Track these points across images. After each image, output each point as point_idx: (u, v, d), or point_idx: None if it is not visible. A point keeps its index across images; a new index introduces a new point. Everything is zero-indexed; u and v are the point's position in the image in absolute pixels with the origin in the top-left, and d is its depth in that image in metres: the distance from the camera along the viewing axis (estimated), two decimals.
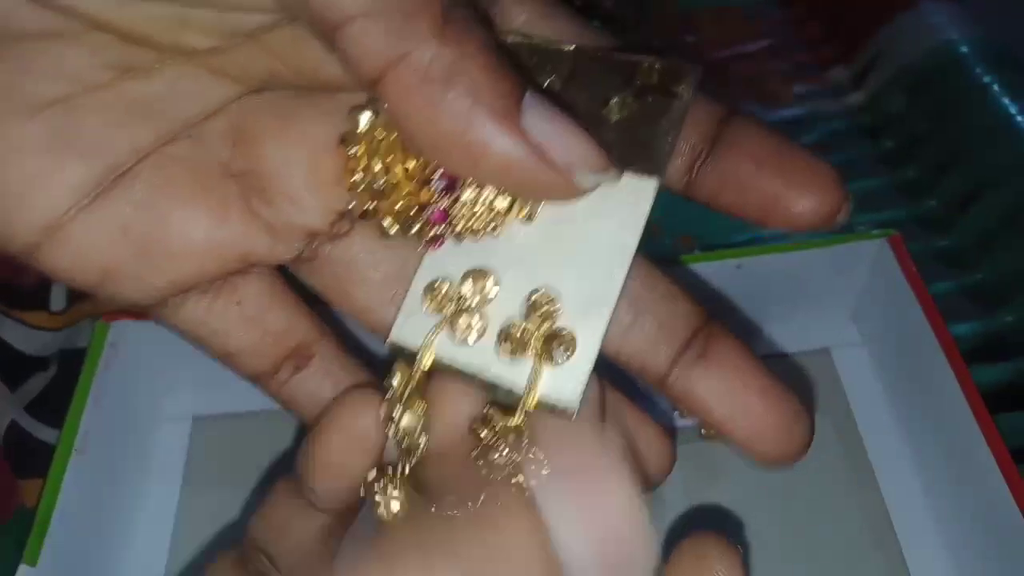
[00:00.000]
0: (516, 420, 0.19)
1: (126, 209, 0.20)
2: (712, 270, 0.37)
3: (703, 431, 0.38)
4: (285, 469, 0.39)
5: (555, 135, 0.17)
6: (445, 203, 0.20)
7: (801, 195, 0.19)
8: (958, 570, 0.34)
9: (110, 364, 0.37)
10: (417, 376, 0.20)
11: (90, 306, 0.43)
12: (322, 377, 0.24)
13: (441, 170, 0.19)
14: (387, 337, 0.21)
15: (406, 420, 0.20)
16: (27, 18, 0.17)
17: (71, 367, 0.37)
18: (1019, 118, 0.46)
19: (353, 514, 0.22)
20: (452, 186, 0.19)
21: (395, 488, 0.20)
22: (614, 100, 0.20)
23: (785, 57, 0.56)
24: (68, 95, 0.18)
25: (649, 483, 0.22)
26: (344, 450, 0.21)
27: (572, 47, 0.21)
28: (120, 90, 0.19)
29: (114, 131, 0.19)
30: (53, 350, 0.42)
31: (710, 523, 0.36)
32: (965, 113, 0.48)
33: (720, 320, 0.21)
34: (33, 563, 0.30)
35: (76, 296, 0.43)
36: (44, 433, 0.40)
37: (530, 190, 0.18)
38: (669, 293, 0.21)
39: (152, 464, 0.39)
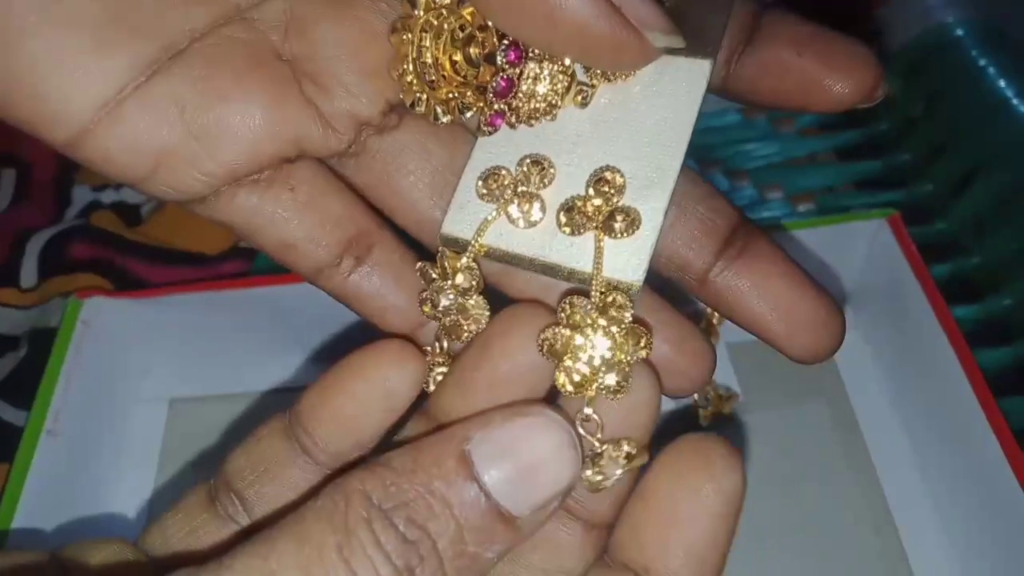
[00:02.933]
0: (595, 299, 0.19)
1: (183, 87, 0.19)
2: None
3: (700, 413, 0.38)
4: None
5: None
6: (511, 72, 0.19)
7: (842, 76, 0.19)
8: (958, 556, 0.33)
9: (82, 343, 0.35)
10: (471, 256, 0.20)
11: (62, 283, 0.41)
12: (384, 268, 0.22)
13: (506, 44, 0.19)
14: (438, 231, 0.21)
15: (447, 300, 0.20)
16: None
17: (43, 346, 0.36)
18: (1015, 100, 0.45)
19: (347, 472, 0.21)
20: (518, 59, 0.19)
21: (441, 366, 0.21)
22: None
23: None
24: None
25: (689, 385, 0.21)
26: (363, 401, 0.20)
27: None
28: None
29: (170, 10, 0.19)
30: (24, 329, 0.41)
31: None
32: (960, 95, 0.47)
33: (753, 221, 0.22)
34: None
35: (48, 272, 0.42)
36: (14, 416, 0.38)
37: (604, 53, 0.18)
38: (710, 192, 0.21)
39: (127, 447, 0.38)
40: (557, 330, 0.19)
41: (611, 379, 0.19)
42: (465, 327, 0.21)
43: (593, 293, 0.19)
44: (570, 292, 0.20)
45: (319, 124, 0.21)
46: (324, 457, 0.21)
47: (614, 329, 0.19)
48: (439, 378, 0.21)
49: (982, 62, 0.47)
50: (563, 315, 0.19)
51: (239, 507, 0.21)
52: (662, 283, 0.21)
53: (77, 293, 0.36)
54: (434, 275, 0.21)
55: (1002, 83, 0.46)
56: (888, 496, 0.35)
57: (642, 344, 0.19)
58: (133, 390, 0.39)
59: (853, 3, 0.54)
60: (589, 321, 0.19)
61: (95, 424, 0.36)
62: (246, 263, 0.43)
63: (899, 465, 0.36)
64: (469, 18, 0.19)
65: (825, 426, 0.38)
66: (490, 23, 0.19)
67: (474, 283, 0.20)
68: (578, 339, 0.19)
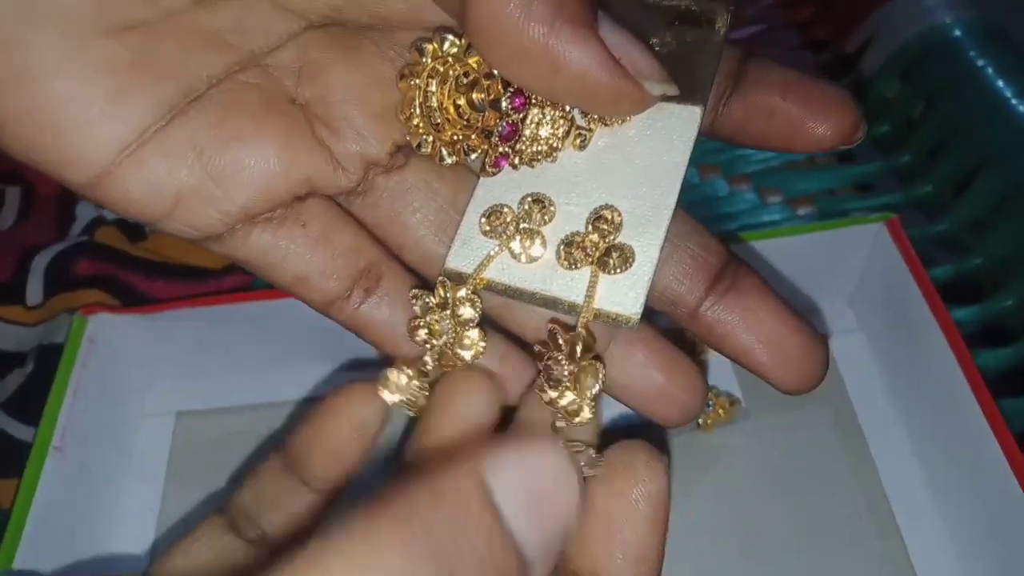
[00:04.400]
0: (580, 327, 0.20)
1: (200, 131, 0.20)
2: None
3: (699, 421, 0.38)
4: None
5: (626, 47, 0.18)
6: (515, 118, 0.21)
7: (824, 119, 0.20)
8: (959, 554, 0.33)
9: (88, 359, 0.36)
10: (472, 286, 0.21)
11: (68, 299, 0.42)
12: (393, 298, 0.23)
13: (511, 91, 0.20)
14: (442, 266, 0.22)
15: (439, 325, 0.22)
16: None
17: (49, 363, 0.36)
18: (1013, 100, 0.45)
19: (341, 492, 0.23)
20: (522, 107, 0.20)
21: (416, 380, 0.22)
22: (654, 41, 0.21)
23: (778, 42, 0.55)
24: (148, 19, 0.19)
25: (680, 414, 0.23)
26: (343, 437, 0.22)
27: (607, 10, 0.22)
28: (194, 18, 0.20)
29: (189, 56, 0.20)
30: (31, 346, 0.41)
31: (708, 517, 0.35)
32: (959, 96, 0.47)
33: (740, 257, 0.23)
34: (8, 566, 0.29)
35: (54, 289, 0.42)
36: (22, 432, 0.38)
37: (604, 100, 0.19)
38: (699, 229, 0.22)
39: (134, 461, 0.38)
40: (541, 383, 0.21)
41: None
42: (457, 357, 0.22)
43: (579, 323, 0.20)
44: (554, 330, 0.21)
45: (330, 164, 0.22)
46: (319, 484, 0.23)
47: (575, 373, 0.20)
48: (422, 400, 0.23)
49: (981, 62, 0.47)
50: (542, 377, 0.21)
51: (261, 528, 0.24)
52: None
53: (82, 310, 0.36)
54: (430, 302, 0.22)
55: (1001, 83, 0.46)
56: (891, 499, 0.35)
57: (598, 377, 0.20)
58: (139, 404, 0.39)
59: (850, 4, 0.54)
60: (566, 377, 0.20)
61: (102, 439, 0.36)
62: (249, 276, 0.43)
63: (902, 468, 0.36)
64: (475, 66, 0.21)
65: (827, 430, 0.38)
66: (496, 71, 0.20)
67: (476, 315, 0.21)
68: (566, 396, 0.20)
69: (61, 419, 0.33)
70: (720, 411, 0.37)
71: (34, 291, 0.42)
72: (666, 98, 0.20)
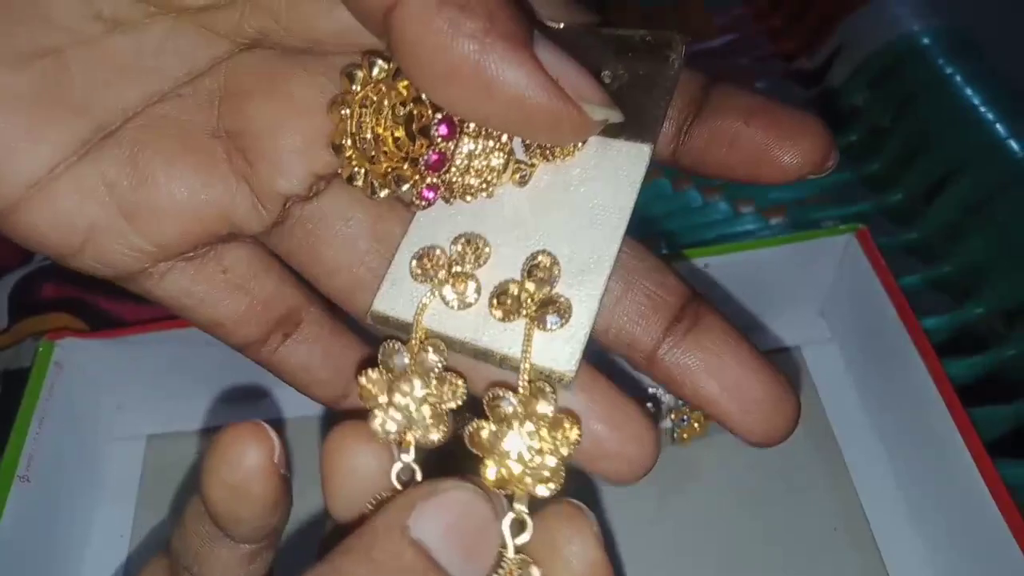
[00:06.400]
0: (521, 390, 0.18)
1: (112, 166, 0.19)
2: (679, 270, 0.36)
3: (675, 434, 0.37)
4: None
5: (564, 67, 0.17)
6: (444, 146, 0.19)
7: (791, 145, 0.19)
8: (933, 564, 0.33)
9: (55, 384, 0.35)
10: (417, 347, 0.20)
11: (34, 323, 0.41)
12: (312, 343, 0.23)
13: (439, 117, 0.19)
14: (360, 299, 0.21)
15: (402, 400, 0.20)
16: None
17: (16, 389, 0.35)
18: (982, 108, 0.46)
19: (271, 545, 0.22)
20: (451, 133, 0.19)
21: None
22: (605, 72, 0.20)
23: (748, 51, 0.55)
24: (58, 47, 0.18)
25: (628, 470, 0.20)
26: (237, 480, 0.20)
27: (560, 25, 0.20)
28: (110, 45, 0.19)
29: (103, 89, 0.19)
30: None
31: (683, 532, 0.35)
32: (928, 104, 0.48)
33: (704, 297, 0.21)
34: None
35: (19, 313, 0.41)
36: None
37: (542, 125, 0.17)
38: (657, 266, 0.21)
39: (104, 487, 0.38)
40: (483, 423, 0.19)
41: (542, 490, 0.18)
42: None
43: (520, 383, 0.18)
44: (497, 383, 0.19)
45: (248, 202, 0.21)
46: (240, 537, 0.21)
47: (539, 423, 0.18)
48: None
49: (949, 70, 0.48)
50: (488, 409, 0.19)
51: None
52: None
53: (48, 334, 0.36)
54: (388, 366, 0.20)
55: (969, 91, 0.47)
56: (866, 509, 0.35)
57: (568, 431, 0.18)
58: (108, 429, 0.39)
59: (819, 13, 0.54)
60: (515, 415, 0.18)
61: (70, 466, 0.36)
62: None
63: (877, 478, 0.36)
64: (404, 92, 0.19)
65: (802, 440, 0.38)
66: (424, 95, 0.19)
67: (441, 360, 0.20)
68: (508, 437, 0.18)
69: (27, 447, 0.33)
70: (695, 424, 0.37)
71: None
72: (615, 134, 0.19)
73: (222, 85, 0.20)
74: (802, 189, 0.48)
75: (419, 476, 0.20)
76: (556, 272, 0.19)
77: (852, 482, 0.36)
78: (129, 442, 0.39)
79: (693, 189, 0.48)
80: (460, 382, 0.19)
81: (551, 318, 0.18)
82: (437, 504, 0.18)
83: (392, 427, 0.20)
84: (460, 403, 0.20)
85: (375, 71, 0.19)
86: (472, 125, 0.19)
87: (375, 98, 0.19)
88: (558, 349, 0.18)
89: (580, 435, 0.18)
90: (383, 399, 0.20)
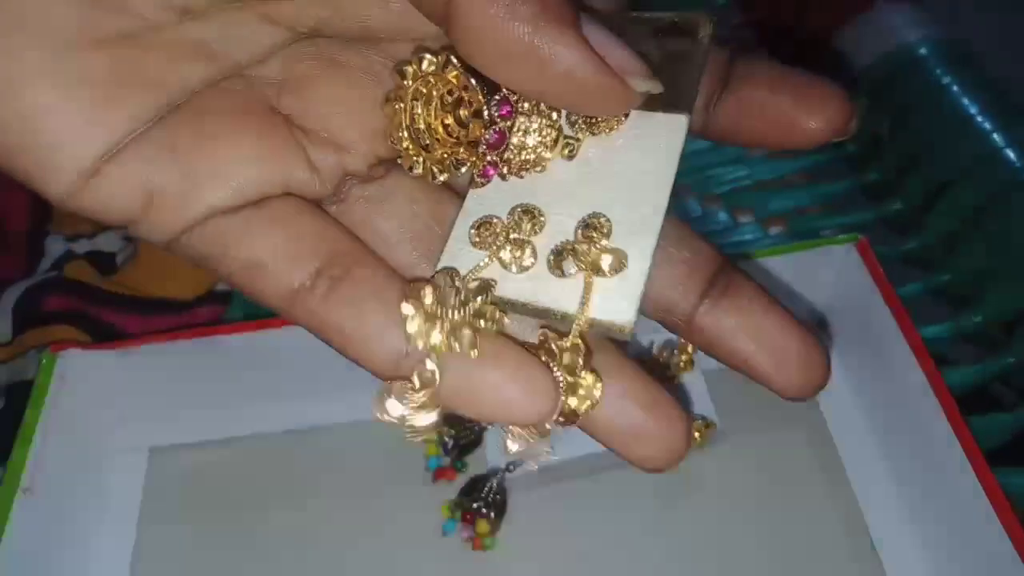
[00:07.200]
0: (571, 339, 0.20)
1: (175, 130, 0.20)
2: None
3: None
4: (249, 500, 0.38)
5: (609, 45, 0.18)
6: (503, 125, 0.20)
7: (816, 111, 0.20)
8: (934, 573, 0.34)
9: (59, 397, 0.35)
10: (464, 295, 0.20)
11: (37, 336, 0.41)
12: (366, 291, 0.20)
13: (497, 98, 0.20)
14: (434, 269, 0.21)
15: (435, 338, 0.19)
16: None
17: (19, 401, 0.36)
18: (979, 117, 0.46)
19: None
20: (509, 113, 0.20)
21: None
22: (640, 51, 0.21)
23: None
24: (132, 31, 0.19)
25: (664, 455, 0.21)
26: None
27: (590, 12, 0.22)
28: (179, 30, 0.19)
29: (173, 67, 0.20)
30: (1, 383, 0.40)
31: (684, 542, 0.35)
32: (925, 114, 0.48)
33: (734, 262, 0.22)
34: None
35: (23, 325, 0.42)
36: None
37: (590, 97, 0.19)
38: (690, 234, 0.22)
39: (107, 499, 0.38)
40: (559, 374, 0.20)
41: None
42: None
43: (573, 329, 0.20)
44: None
45: (307, 170, 0.21)
46: None
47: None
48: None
49: (946, 80, 0.48)
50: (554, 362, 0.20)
51: None
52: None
53: (52, 347, 0.36)
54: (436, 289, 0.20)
55: (966, 100, 0.47)
56: (866, 517, 0.35)
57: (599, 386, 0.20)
58: (112, 441, 0.39)
59: (816, 25, 0.55)
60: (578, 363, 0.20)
61: (73, 478, 0.36)
62: (221, 307, 0.43)
63: (875, 484, 0.36)
64: (455, 81, 0.20)
65: (803, 450, 0.38)
66: (473, 82, 0.20)
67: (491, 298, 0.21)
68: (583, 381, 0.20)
69: (30, 459, 0.33)
70: (696, 434, 0.37)
71: (3, 328, 0.42)
72: (654, 107, 0.20)
73: (284, 70, 0.21)
74: (801, 198, 0.48)
75: (438, 378, 0.20)
76: (609, 229, 0.20)
77: (853, 491, 0.36)
78: (132, 454, 0.39)
79: (692, 199, 0.49)
80: (500, 315, 0.20)
81: (607, 265, 0.20)
82: None
83: (419, 327, 0.19)
84: (497, 327, 0.20)
85: (424, 65, 0.20)
86: (526, 105, 0.21)
87: (425, 91, 0.21)
88: (616, 303, 0.20)
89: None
90: (428, 303, 0.20)
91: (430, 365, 0.19)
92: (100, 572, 0.35)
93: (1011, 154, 0.44)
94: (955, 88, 0.48)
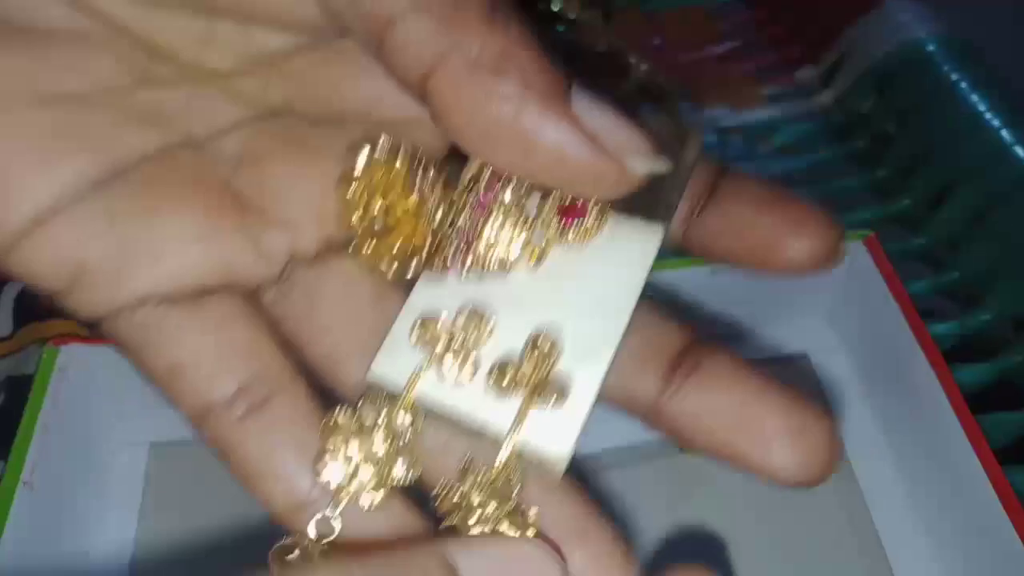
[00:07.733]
0: (494, 474, 0.18)
1: (119, 198, 0.19)
2: (686, 277, 0.36)
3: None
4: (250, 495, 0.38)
5: (604, 122, 0.17)
6: (484, 193, 0.19)
7: (802, 236, 0.19)
8: (942, 572, 0.33)
9: (59, 390, 0.35)
10: (397, 412, 0.19)
11: (38, 330, 0.41)
12: (284, 425, 0.19)
13: (482, 184, 0.19)
14: (354, 370, 0.20)
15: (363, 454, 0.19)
16: (57, 16, 0.17)
17: (20, 395, 0.35)
18: (987, 114, 0.46)
19: None
20: (486, 202, 0.19)
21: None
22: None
23: (752, 58, 0.55)
24: (83, 92, 0.18)
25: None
26: None
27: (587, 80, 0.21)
28: (135, 95, 0.19)
29: (122, 131, 0.19)
30: (1, 378, 0.40)
31: (692, 541, 0.35)
32: (934, 111, 0.48)
33: (710, 337, 0.20)
34: None
35: (24, 319, 0.41)
36: None
37: (583, 181, 0.17)
38: (652, 310, 0.20)
39: (108, 495, 0.37)
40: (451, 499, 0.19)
41: None
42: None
43: (498, 459, 0.18)
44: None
45: (253, 253, 0.20)
46: None
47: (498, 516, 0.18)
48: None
49: (954, 77, 0.48)
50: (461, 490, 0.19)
51: None
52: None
53: (53, 340, 0.36)
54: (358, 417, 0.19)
55: (974, 97, 0.47)
56: (874, 517, 0.35)
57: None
58: (113, 435, 0.39)
59: (824, 21, 0.54)
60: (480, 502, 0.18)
61: (74, 472, 0.35)
62: None
63: (884, 482, 0.36)
64: (401, 169, 0.19)
65: None
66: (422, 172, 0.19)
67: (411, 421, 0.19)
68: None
69: (31, 453, 0.33)
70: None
71: (3, 322, 0.42)
72: (629, 214, 0.19)
73: (243, 146, 0.20)
74: (808, 196, 0.48)
75: (337, 530, 0.19)
76: (558, 351, 0.18)
77: (860, 489, 0.36)
78: (133, 448, 0.39)
79: None
80: (419, 463, 0.19)
81: (549, 394, 0.18)
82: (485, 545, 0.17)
83: (334, 476, 0.19)
84: (408, 482, 0.19)
85: (379, 146, 0.19)
86: (506, 196, 0.19)
87: (384, 173, 0.19)
88: (553, 433, 0.18)
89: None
90: (339, 444, 0.19)
91: (331, 515, 0.19)
92: (100, 566, 0.35)
93: (1019, 151, 0.44)
94: (963, 85, 0.47)
